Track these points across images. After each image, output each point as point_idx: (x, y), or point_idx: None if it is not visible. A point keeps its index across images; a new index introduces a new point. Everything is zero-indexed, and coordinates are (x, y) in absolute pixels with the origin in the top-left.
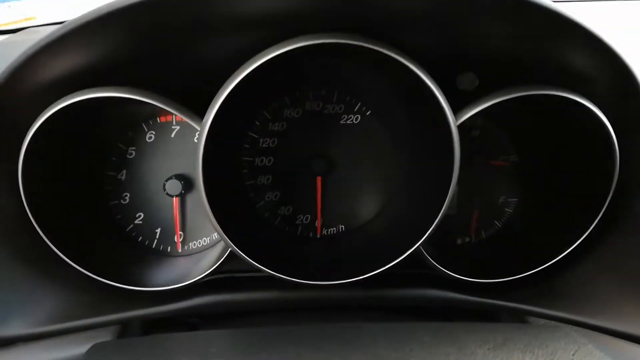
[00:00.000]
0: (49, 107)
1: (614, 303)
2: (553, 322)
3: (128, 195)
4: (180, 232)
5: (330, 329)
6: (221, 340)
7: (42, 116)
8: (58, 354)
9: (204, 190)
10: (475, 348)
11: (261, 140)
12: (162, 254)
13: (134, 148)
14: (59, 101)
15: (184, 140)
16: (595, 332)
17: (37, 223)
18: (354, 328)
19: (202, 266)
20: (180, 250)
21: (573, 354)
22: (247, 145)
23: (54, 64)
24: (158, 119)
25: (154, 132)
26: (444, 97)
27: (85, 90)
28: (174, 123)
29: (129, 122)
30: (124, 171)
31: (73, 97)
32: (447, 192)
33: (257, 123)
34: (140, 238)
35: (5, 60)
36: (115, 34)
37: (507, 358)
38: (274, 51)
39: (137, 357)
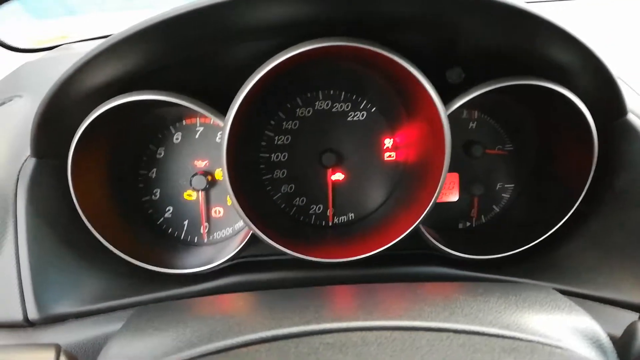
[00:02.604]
0: (95, 109)
1: (600, 273)
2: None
3: (158, 191)
4: (206, 223)
5: (340, 288)
6: (247, 297)
7: (90, 117)
8: (103, 329)
9: (228, 181)
10: (458, 295)
11: (276, 138)
12: (190, 244)
13: (162, 148)
14: (103, 104)
15: (207, 140)
16: (581, 299)
17: (84, 215)
18: (360, 286)
19: (227, 251)
20: (205, 240)
21: (542, 299)
22: (264, 143)
23: (98, 72)
24: (184, 121)
25: (180, 134)
26: (435, 90)
27: (127, 94)
28: (198, 125)
29: (158, 125)
30: (154, 170)
31: (116, 100)
32: (440, 177)
33: (273, 122)
34: (170, 230)
35: (46, 73)
36: (150, 45)
37: (484, 301)
38: (282, 56)
39: (176, 311)
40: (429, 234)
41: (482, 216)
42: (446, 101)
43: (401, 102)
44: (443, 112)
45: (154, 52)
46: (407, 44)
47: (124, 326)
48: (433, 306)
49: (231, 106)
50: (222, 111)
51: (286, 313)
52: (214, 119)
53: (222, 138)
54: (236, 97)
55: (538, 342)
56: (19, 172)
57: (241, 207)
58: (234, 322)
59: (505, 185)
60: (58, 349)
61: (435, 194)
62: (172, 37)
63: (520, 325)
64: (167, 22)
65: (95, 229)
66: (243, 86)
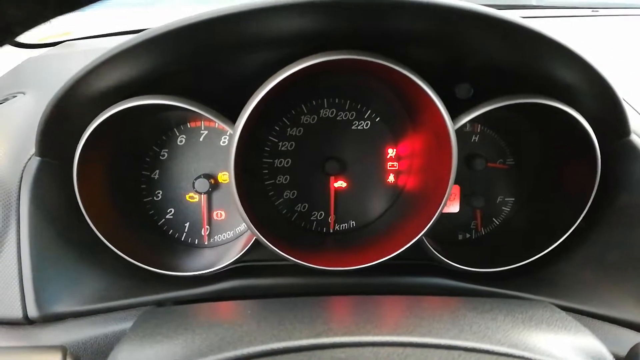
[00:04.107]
0: (103, 112)
1: (598, 290)
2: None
3: (160, 192)
4: (207, 226)
5: (346, 299)
6: (254, 305)
7: (97, 120)
8: (102, 329)
9: (235, 186)
10: (465, 312)
11: (280, 144)
12: (190, 246)
13: (166, 150)
14: (112, 107)
15: (211, 143)
16: (581, 316)
17: (88, 215)
18: (365, 299)
19: (228, 255)
20: (206, 243)
21: (548, 317)
22: (267, 149)
23: (109, 76)
24: (188, 124)
25: (184, 136)
26: (444, 105)
27: (136, 98)
28: (203, 128)
29: (162, 127)
30: (157, 171)
31: (125, 104)
32: (446, 190)
33: (277, 128)
34: (171, 231)
35: (50, 70)
36: (162, 52)
37: (492, 318)
38: (295, 67)
39: (183, 317)
40: (430, 245)
41: (482, 228)
42: (452, 115)
43: (406, 114)
44: (451, 126)
45: (165, 59)
46: (415, 58)
47: (131, 331)
48: (442, 322)
49: (241, 114)
50: (229, 116)
51: (295, 324)
52: (219, 123)
53: (231, 145)
54: (246, 105)
55: None
56: (23, 170)
57: (247, 213)
58: (243, 331)
59: (506, 199)
60: (64, 351)
61: (441, 207)
62: (185, 45)
63: (528, 344)
64: (181, 30)
65: (97, 228)
66: (254, 95)
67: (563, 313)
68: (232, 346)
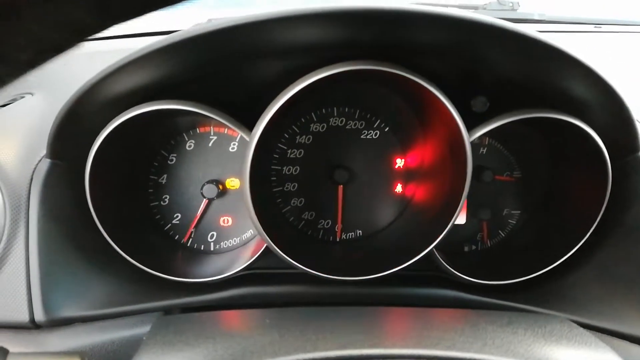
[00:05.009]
0: (119, 116)
1: (606, 304)
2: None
3: (167, 197)
4: (213, 232)
5: (363, 310)
6: (271, 315)
7: (113, 123)
8: (109, 335)
9: (249, 193)
10: (485, 325)
11: (289, 151)
12: (197, 251)
13: (174, 155)
14: (127, 111)
15: (220, 149)
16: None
17: (98, 219)
18: (382, 310)
19: (236, 262)
20: (212, 249)
21: (567, 333)
22: (276, 156)
23: (126, 80)
24: (197, 129)
25: (193, 141)
26: (461, 117)
27: (151, 103)
28: (212, 133)
29: (171, 131)
30: (165, 176)
31: (141, 108)
32: (459, 202)
33: (286, 136)
34: (177, 236)
35: (58, 72)
36: (180, 58)
37: (513, 332)
38: (318, 74)
39: (202, 324)
40: (438, 256)
41: (488, 240)
42: (468, 128)
43: (418, 124)
44: (467, 138)
45: (183, 65)
46: (432, 70)
47: (150, 337)
48: (464, 336)
49: (259, 121)
50: (243, 123)
51: (319, 335)
52: (231, 128)
53: (247, 152)
54: (265, 113)
55: None
56: (33, 171)
57: (259, 221)
58: (266, 341)
59: (512, 212)
60: (82, 357)
61: (453, 219)
62: (203, 52)
63: (551, 359)
64: (198, 38)
65: (106, 232)
66: (273, 103)
67: (581, 328)
68: (256, 356)
